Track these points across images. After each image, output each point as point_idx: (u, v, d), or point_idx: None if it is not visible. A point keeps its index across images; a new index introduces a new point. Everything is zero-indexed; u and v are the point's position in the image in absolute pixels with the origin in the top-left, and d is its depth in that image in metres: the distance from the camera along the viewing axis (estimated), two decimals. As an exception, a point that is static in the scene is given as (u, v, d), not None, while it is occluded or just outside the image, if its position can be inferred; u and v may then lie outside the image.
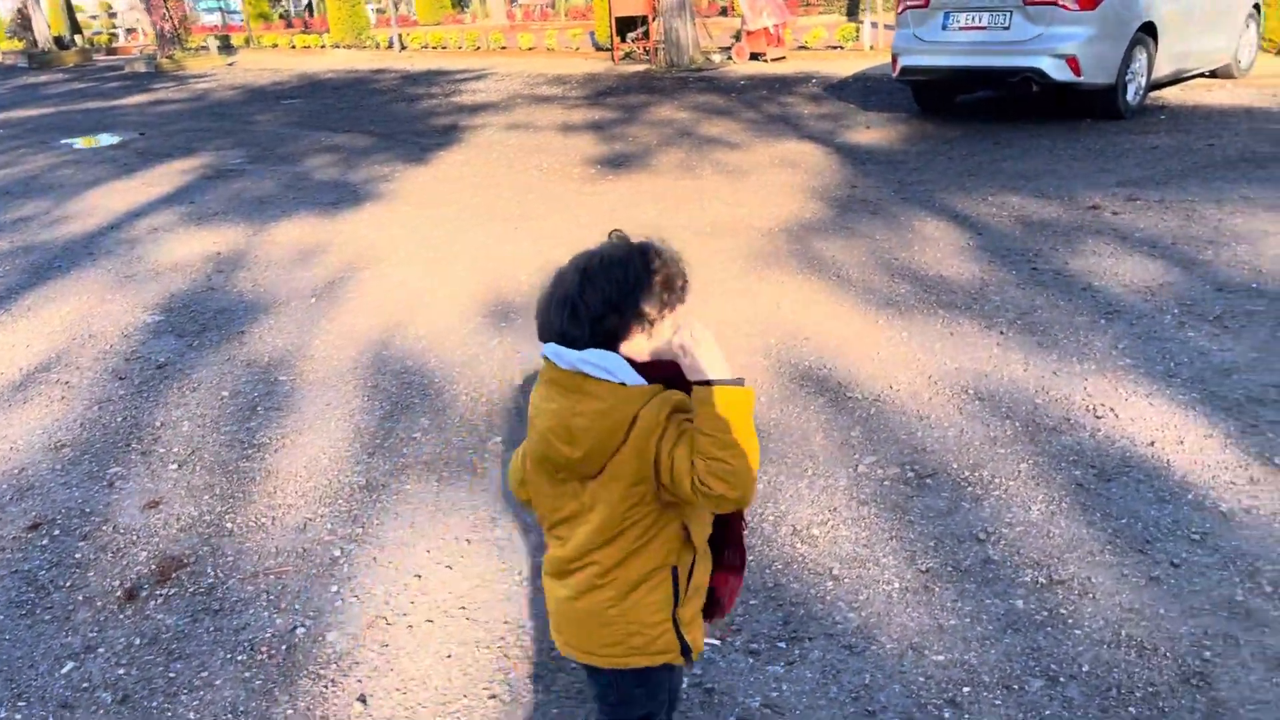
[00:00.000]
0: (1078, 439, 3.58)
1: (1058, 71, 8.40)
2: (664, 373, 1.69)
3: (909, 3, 9.34)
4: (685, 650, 1.80)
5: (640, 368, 1.67)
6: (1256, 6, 10.53)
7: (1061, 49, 8.35)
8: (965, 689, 2.45)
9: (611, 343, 1.66)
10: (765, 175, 7.96)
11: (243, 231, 7.01)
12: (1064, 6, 8.31)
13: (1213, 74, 10.52)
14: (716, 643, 2.65)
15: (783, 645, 2.64)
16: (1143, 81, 8.94)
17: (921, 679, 2.49)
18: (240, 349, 4.83)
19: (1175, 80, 9.99)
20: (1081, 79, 8.41)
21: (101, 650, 2.73)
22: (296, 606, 2.89)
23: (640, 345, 1.68)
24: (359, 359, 4.63)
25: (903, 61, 9.41)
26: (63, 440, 3.94)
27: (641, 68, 16.06)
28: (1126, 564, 2.88)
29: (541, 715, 2.45)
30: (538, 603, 2.84)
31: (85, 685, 2.61)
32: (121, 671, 2.65)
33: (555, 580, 1.81)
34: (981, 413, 3.83)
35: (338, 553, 3.14)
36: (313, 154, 10.05)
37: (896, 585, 2.85)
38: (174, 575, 3.05)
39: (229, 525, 3.31)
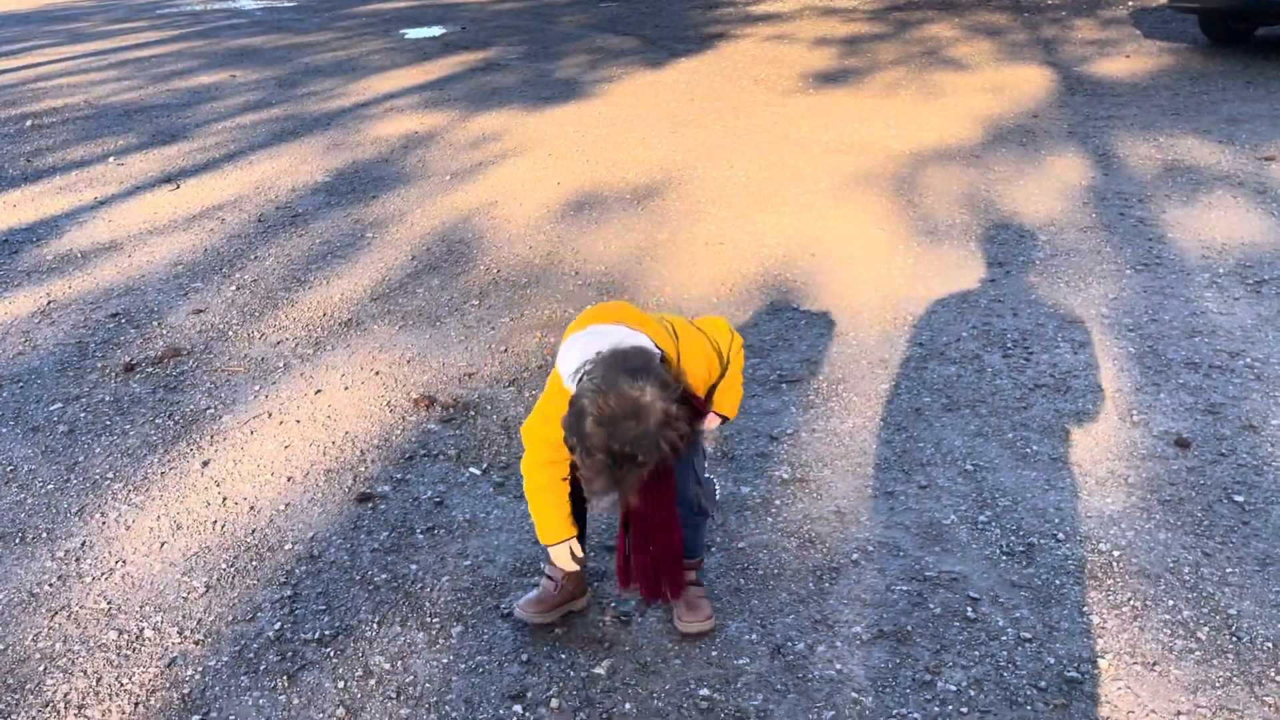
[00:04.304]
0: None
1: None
2: None
3: (1187, -82, 8.33)
4: None
5: None
6: None
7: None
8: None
9: None
10: (960, 99, 7.67)
11: (452, 117, 7.98)
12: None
13: None
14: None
15: (516, 486, 3.05)
16: None
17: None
18: (362, 209, 5.75)
19: None
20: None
21: (83, 400, 3.73)
22: (221, 395, 3.72)
23: None
24: (435, 226, 5.38)
25: (1173, -15, 8.46)
26: (182, 259, 5.06)
27: (965, -17, 15.27)
28: (870, 483, 2.96)
29: (315, 488, 3.09)
30: (384, 428, 3.46)
31: (57, 419, 3.61)
32: (84, 414, 3.63)
33: None
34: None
35: (281, 365, 3.94)
36: (574, 54, 10.88)
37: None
38: (168, 360, 3.99)
39: (231, 332, 4.21)
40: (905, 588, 2.62)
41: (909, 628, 2.48)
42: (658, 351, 2.05)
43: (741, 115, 7.54)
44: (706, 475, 2.46)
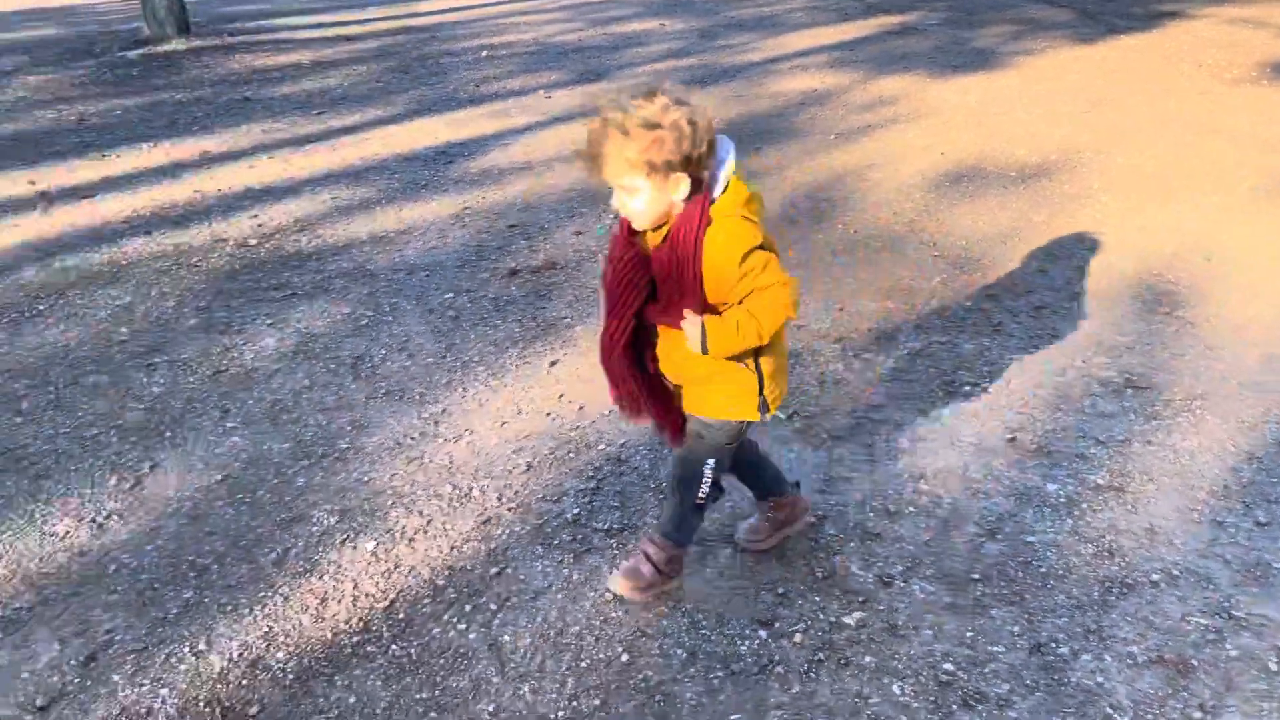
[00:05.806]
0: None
1: None
2: None
3: None
4: None
5: None
6: None
7: None
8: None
9: None
10: None
11: (854, 78, 8.00)
12: None
13: None
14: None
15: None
16: None
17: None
18: (742, 161, 5.99)
19: None
20: None
21: (471, 294, 4.31)
22: (579, 308, 4.13)
23: None
24: (806, 182, 5.50)
25: None
26: (575, 186, 5.59)
27: None
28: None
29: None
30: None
31: (448, 306, 4.20)
32: (469, 305, 4.20)
33: None
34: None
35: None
36: (998, 23, 10.39)
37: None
38: (544, 271, 4.49)
39: (601, 255, 4.64)
40: (1204, 621, 2.41)
41: (1194, 661, 2.29)
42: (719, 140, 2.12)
43: (1171, 100, 6.86)
44: (707, 463, 2.35)
